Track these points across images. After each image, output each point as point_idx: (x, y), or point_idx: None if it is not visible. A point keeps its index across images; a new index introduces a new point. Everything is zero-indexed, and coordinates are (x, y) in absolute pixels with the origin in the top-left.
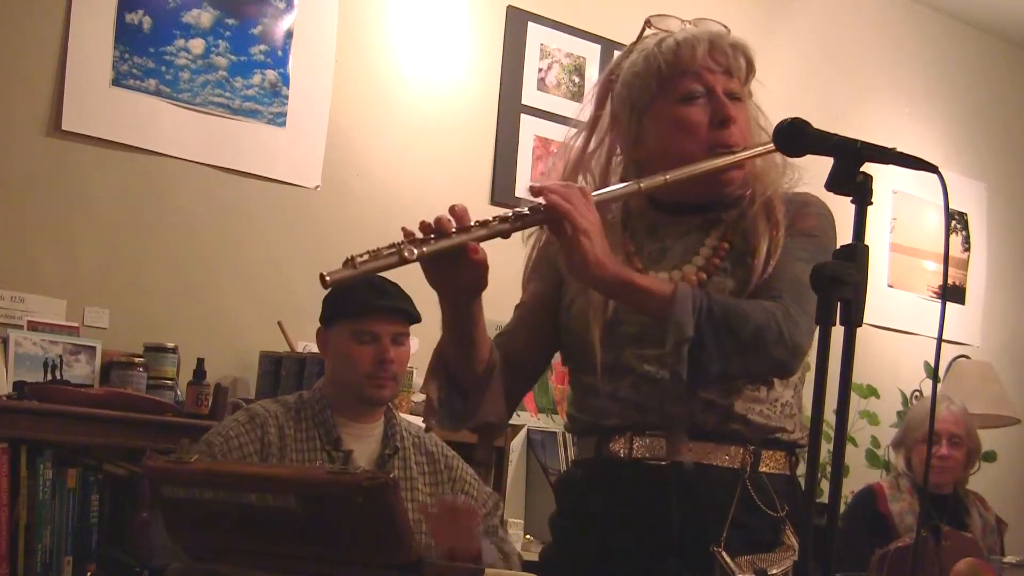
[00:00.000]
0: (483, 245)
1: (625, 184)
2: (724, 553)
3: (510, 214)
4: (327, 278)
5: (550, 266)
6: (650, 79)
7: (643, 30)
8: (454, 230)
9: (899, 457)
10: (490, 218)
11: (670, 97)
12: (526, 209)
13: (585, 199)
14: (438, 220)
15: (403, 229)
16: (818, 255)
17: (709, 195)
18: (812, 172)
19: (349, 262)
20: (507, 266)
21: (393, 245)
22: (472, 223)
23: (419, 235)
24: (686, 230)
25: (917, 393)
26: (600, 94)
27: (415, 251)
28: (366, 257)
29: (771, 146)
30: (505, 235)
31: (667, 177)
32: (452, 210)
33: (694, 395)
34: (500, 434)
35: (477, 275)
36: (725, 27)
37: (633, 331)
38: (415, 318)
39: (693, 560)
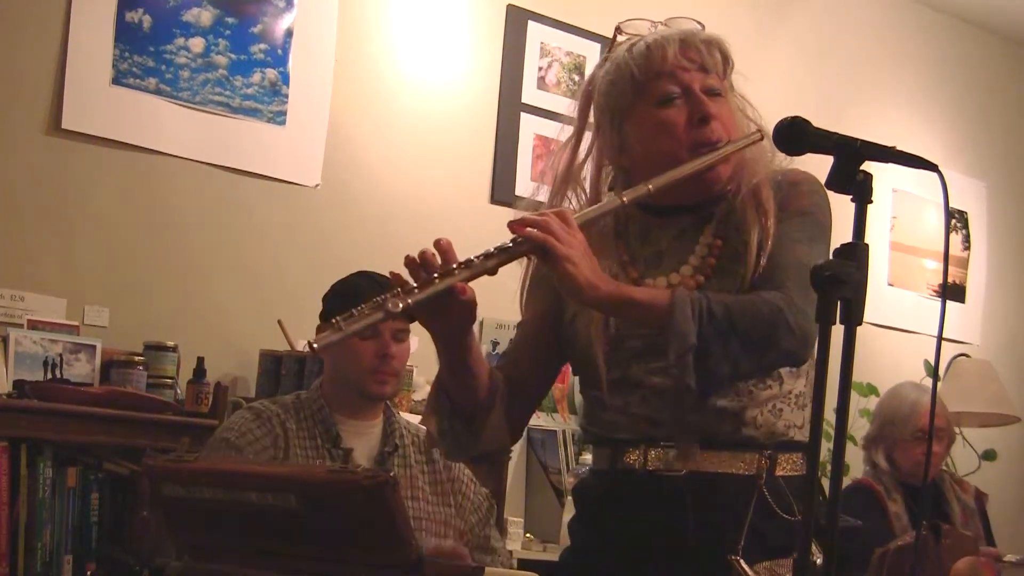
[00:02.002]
0: None
1: (608, 200)
2: (742, 561)
3: (492, 250)
4: (314, 345)
5: (548, 282)
6: (625, 86)
7: (614, 37)
8: (436, 276)
9: (878, 453)
10: (472, 257)
11: (647, 101)
12: (508, 242)
13: (565, 223)
14: (423, 255)
15: (391, 274)
16: (816, 233)
17: (699, 194)
18: (813, 169)
19: (335, 324)
20: (509, 266)
21: (376, 301)
22: (455, 264)
23: (405, 274)
24: (679, 231)
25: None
26: (582, 105)
27: (399, 304)
28: (351, 317)
29: (754, 137)
30: (491, 272)
31: (650, 187)
32: (437, 244)
33: (704, 403)
34: (501, 458)
35: (467, 313)
36: (699, 23)
37: (638, 345)
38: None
39: (711, 569)
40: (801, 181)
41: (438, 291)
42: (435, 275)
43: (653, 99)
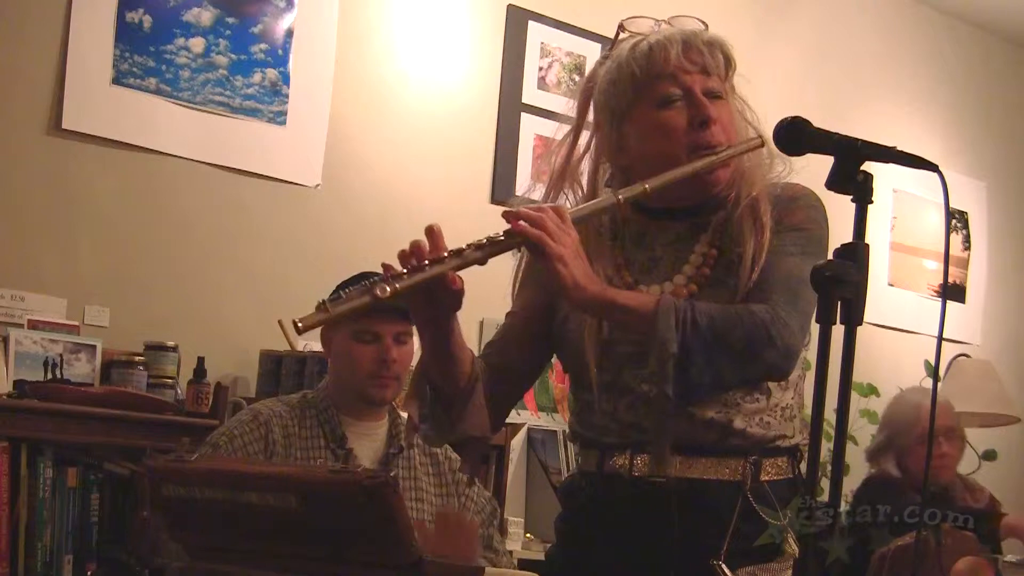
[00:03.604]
0: None
1: (604, 197)
2: (724, 566)
3: (484, 241)
4: (299, 324)
5: (541, 276)
6: (626, 86)
7: (617, 34)
8: (426, 263)
9: (888, 462)
10: (463, 246)
11: (648, 102)
12: (500, 234)
13: (560, 219)
14: (413, 244)
15: (383, 265)
16: (809, 248)
17: (697, 197)
18: (812, 171)
19: (321, 306)
20: (507, 265)
21: (365, 284)
22: (445, 253)
23: (398, 267)
24: (674, 236)
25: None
26: (581, 103)
27: (387, 289)
28: (338, 299)
29: (754, 142)
30: (480, 262)
31: (647, 187)
32: (429, 230)
33: (682, 411)
34: (484, 449)
35: (453, 302)
36: (703, 23)
37: (629, 351)
38: None
39: (694, 573)
40: (799, 196)
41: (426, 278)
42: (425, 262)
43: (653, 100)
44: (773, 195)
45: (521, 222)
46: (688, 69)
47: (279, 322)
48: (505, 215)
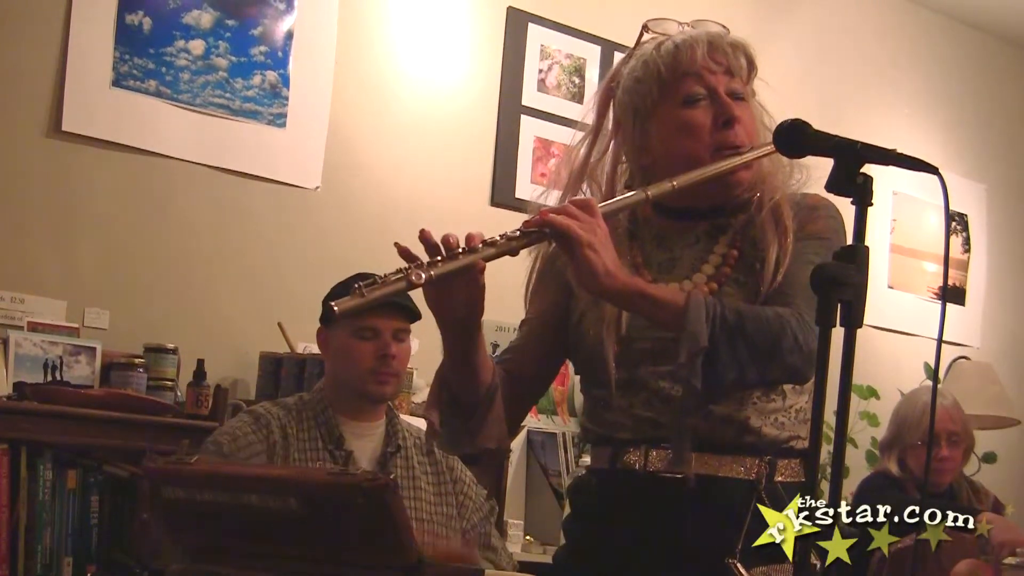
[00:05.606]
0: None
1: (633, 193)
2: (739, 565)
3: (517, 232)
4: (335, 309)
5: (556, 278)
6: (651, 84)
7: (641, 35)
8: (460, 251)
9: (891, 459)
10: (496, 237)
11: (672, 101)
12: (534, 225)
13: (590, 211)
14: (444, 238)
15: (421, 248)
16: (829, 257)
17: (718, 198)
18: (814, 172)
19: (356, 291)
20: (510, 267)
21: (400, 270)
22: (479, 243)
23: (424, 257)
24: (694, 238)
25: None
26: (601, 101)
27: (423, 275)
28: (373, 285)
29: None
30: (513, 253)
31: (674, 183)
32: (468, 239)
33: (705, 406)
34: (501, 459)
35: (475, 298)
36: (724, 27)
37: (647, 347)
38: (416, 315)
39: (708, 572)
40: (820, 206)
41: (461, 266)
42: (460, 250)
43: (678, 99)
44: (794, 201)
45: (547, 216)
46: (713, 69)
47: (279, 324)
48: (527, 222)
